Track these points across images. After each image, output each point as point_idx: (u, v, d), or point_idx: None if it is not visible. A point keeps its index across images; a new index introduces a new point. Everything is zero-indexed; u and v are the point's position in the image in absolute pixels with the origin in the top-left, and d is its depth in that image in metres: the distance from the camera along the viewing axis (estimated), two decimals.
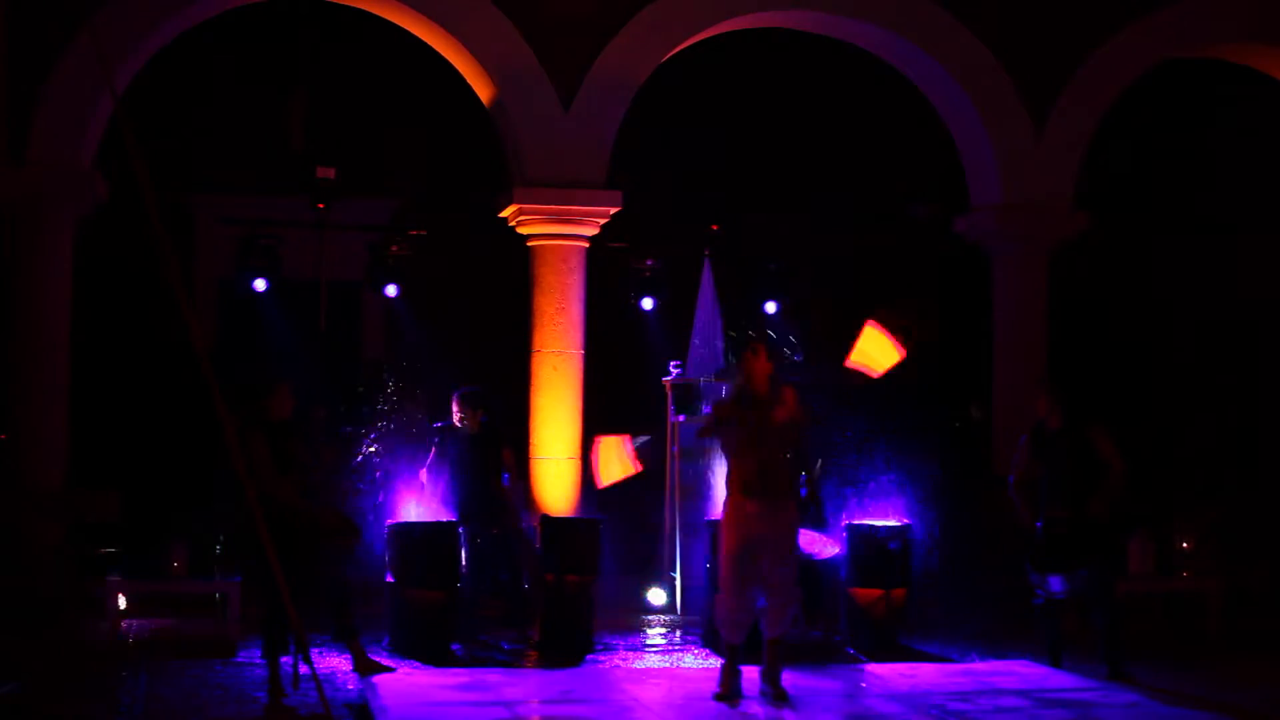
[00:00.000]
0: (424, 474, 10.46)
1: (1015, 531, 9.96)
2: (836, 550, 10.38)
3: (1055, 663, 9.34)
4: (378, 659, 9.19)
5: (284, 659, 8.49)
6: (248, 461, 8.24)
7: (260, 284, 13.61)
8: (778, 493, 8.17)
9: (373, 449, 11.50)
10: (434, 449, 10.52)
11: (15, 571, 10.43)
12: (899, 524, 10.54)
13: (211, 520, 10.35)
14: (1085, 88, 12.35)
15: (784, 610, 8.16)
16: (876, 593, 10.29)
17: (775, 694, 8.18)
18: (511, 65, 11.49)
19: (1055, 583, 9.23)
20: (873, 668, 9.35)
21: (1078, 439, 9.10)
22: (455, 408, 10.53)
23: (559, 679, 8.97)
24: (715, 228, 13.56)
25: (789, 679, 8.69)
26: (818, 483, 10.96)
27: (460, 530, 10.26)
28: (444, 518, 10.16)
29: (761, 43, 13.19)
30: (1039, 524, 9.23)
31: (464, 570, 10.28)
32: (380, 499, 10.76)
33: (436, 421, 10.80)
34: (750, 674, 8.65)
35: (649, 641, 10.45)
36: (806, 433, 10.66)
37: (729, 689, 8.22)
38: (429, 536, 9.87)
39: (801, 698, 8.28)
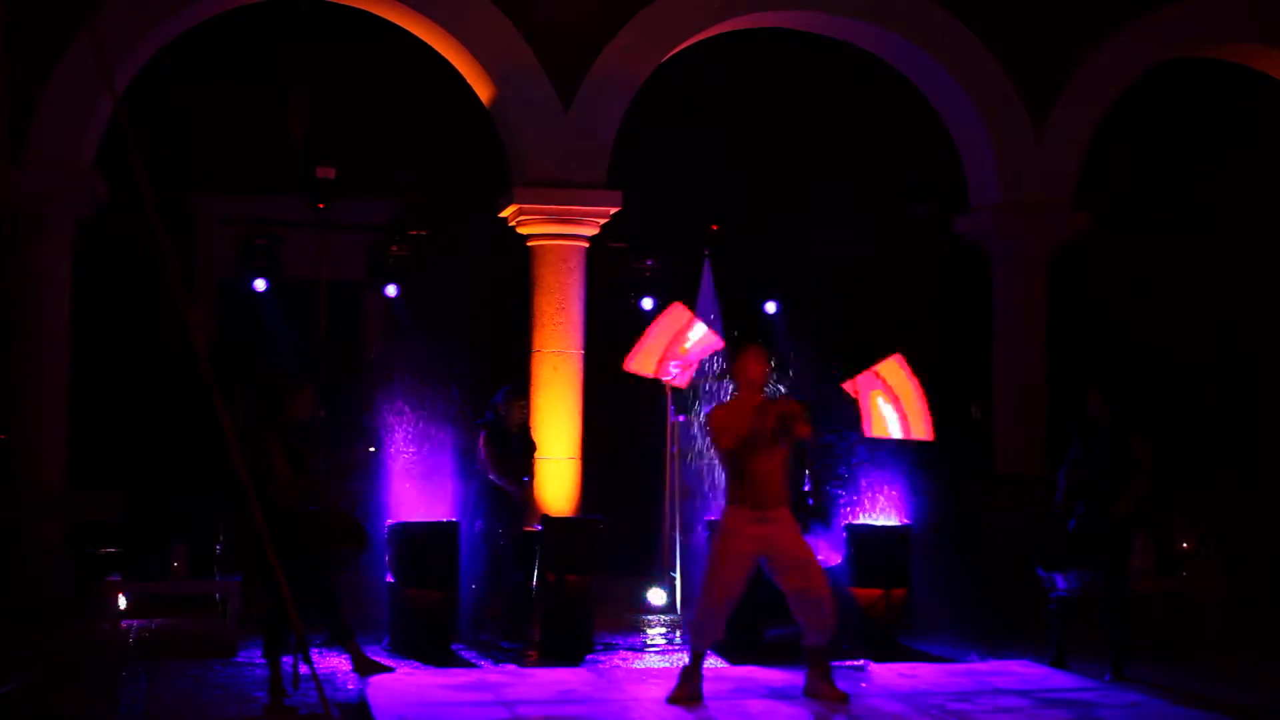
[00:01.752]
0: (488, 466, 10.43)
1: (1019, 530, 9.98)
2: (839, 560, 10.39)
3: (1060, 663, 9.34)
4: (378, 659, 9.19)
5: (284, 659, 8.49)
6: (261, 462, 8.25)
7: (260, 284, 13.62)
8: (776, 502, 8.17)
9: (371, 449, 11.50)
10: (483, 444, 10.48)
11: (15, 571, 10.43)
12: (899, 524, 10.54)
13: (213, 520, 10.35)
14: (1085, 88, 12.35)
15: (821, 617, 8.15)
16: (876, 593, 10.29)
17: (834, 695, 8.19)
18: (511, 65, 11.49)
19: (1061, 580, 9.26)
20: (873, 668, 9.34)
21: (1119, 441, 9.15)
22: (509, 402, 10.51)
23: (559, 679, 8.96)
24: (715, 228, 13.55)
25: (788, 678, 8.69)
26: (821, 485, 10.97)
27: (478, 529, 10.28)
28: (451, 516, 10.16)
29: (761, 43, 13.19)
30: (1071, 522, 9.26)
31: (479, 571, 10.30)
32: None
33: (477, 418, 10.76)
34: (748, 673, 8.66)
35: (649, 641, 10.44)
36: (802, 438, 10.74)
37: (688, 692, 8.19)
38: (429, 536, 9.87)
39: (801, 697, 8.27)
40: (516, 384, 10.82)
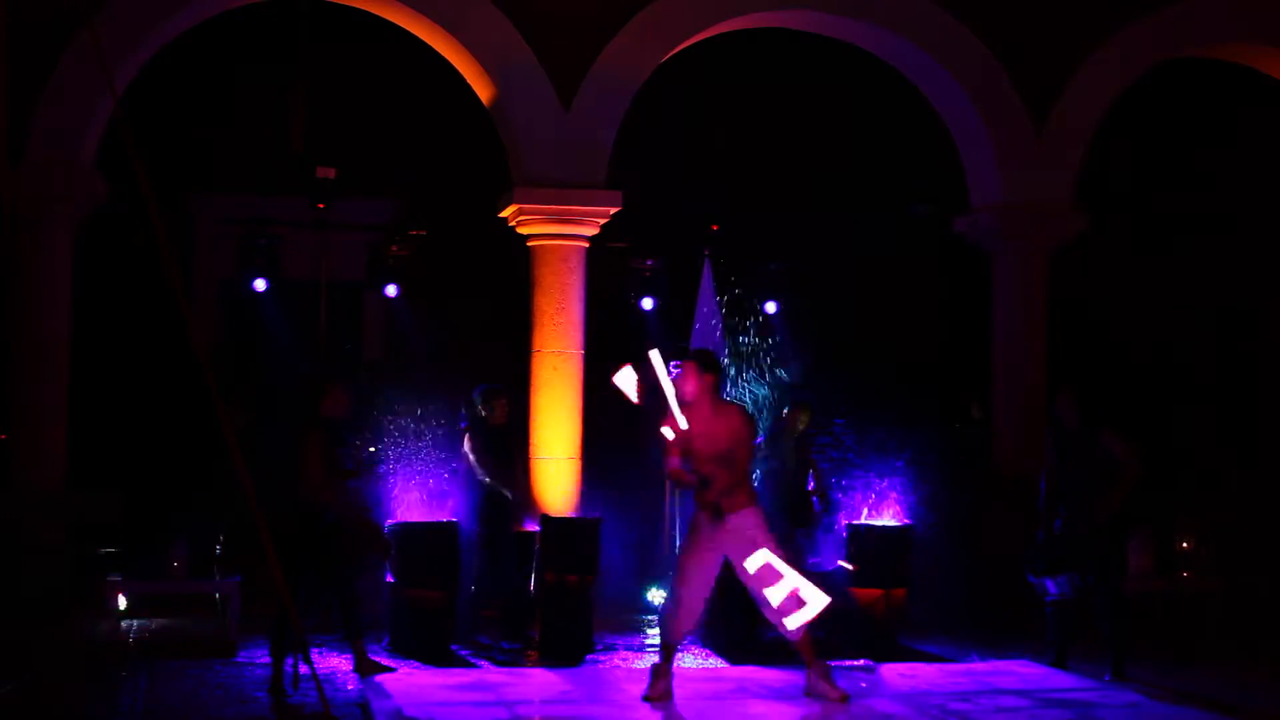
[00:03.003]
0: (476, 467, 10.45)
1: (1019, 530, 9.96)
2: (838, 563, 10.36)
3: (1060, 663, 9.33)
4: (378, 659, 9.20)
5: (286, 659, 8.51)
6: (297, 458, 8.27)
7: (260, 284, 13.63)
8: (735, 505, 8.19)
9: (373, 449, 11.49)
10: (467, 442, 10.51)
11: (15, 571, 10.43)
12: (899, 524, 10.54)
13: (221, 519, 10.36)
14: (1085, 87, 12.34)
15: (780, 611, 8.14)
16: (876, 593, 10.29)
17: (835, 694, 8.21)
18: (511, 65, 11.48)
19: (1051, 585, 9.25)
20: (872, 667, 9.34)
21: (1091, 440, 9.12)
22: (487, 402, 10.52)
23: (559, 679, 8.97)
24: (715, 228, 13.56)
25: (788, 678, 8.69)
26: (824, 487, 10.97)
27: (476, 531, 10.28)
28: (450, 517, 10.16)
29: (762, 43, 13.18)
30: (1056, 524, 9.25)
31: (476, 572, 10.30)
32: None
33: (460, 419, 10.76)
34: (748, 673, 8.66)
35: (649, 641, 10.44)
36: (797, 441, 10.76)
37: (659, 690, 8.23)
38: (429, 536, 9.87)
39: (800, 697, 8.28)
40: (493, 385, 10.79)
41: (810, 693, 8.27)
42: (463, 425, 10.72)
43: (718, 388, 8.44)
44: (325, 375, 8.95)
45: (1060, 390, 9.42)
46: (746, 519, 8.15)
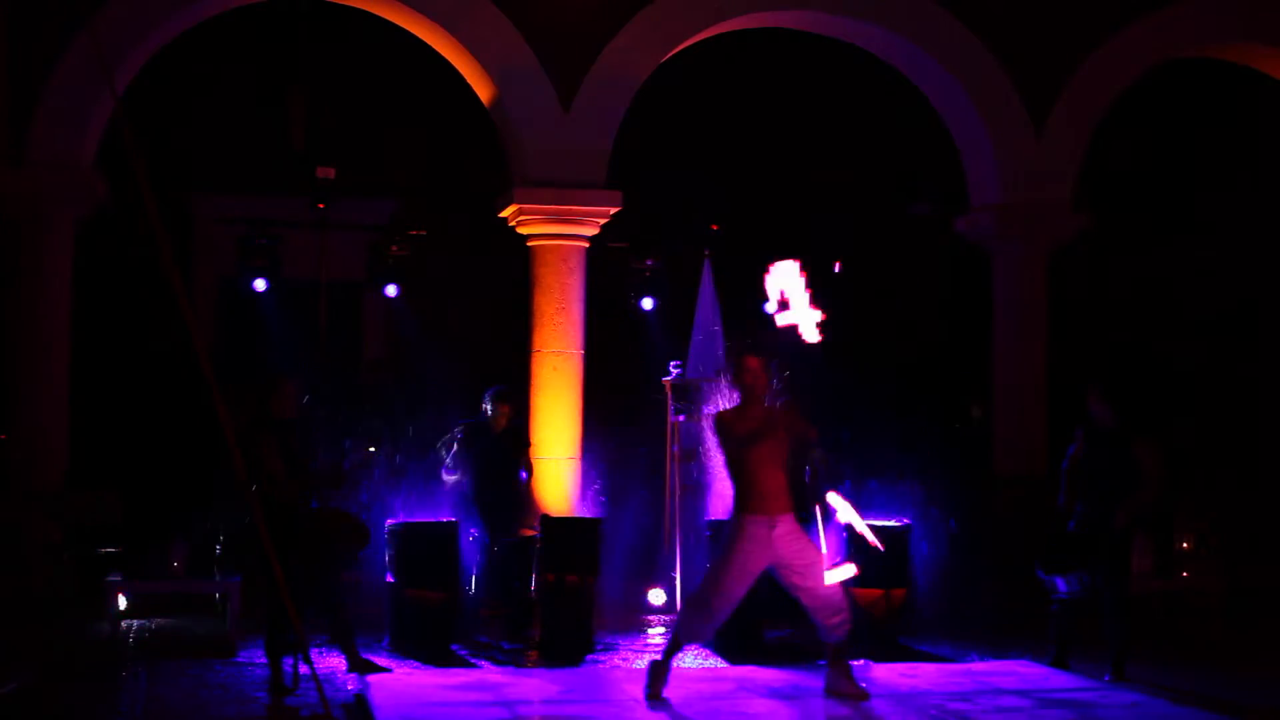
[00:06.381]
0: (444, 473, 10.44)
1: (1019, 530, 9.94)
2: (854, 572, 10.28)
3: (1060, 663, 9.33)
4: (376, 659, 9.19)
5: (285, 659, 8.50)
6: (256, 463, 8.22)
7: (260, 284, 13.63)
8: (784, 508, 8.17)
9: (371, 449, 11.50)
10: (456, 446, 10.50)
11: (15, 571, 10.43)
12: (899, 524, 10.53)
13: (213, 520, 10.35)
14: (1085, 88, 12.35)
15: (835, 613, 8.15)
16: (876, 593, 10.29)
17: (856, 692, 8.21)
18: (511, 65, 11.49)
19: (1061, 583, 9.25)
20: (873, 668, 9.33)
21: (1124, 444, 9.10)
22: (492, 405, 10.52)
23: (559, 679, 8.96)
24: (715, 228, 13.56)
25: (788, 678, 8.69)
26: (818, 486, 10.95)
27: (476, 533, 10.28)
28: (450, 517, 10.15)
29: (761, 43, 13.19)
30: (1069, 522, 9.25)
31: (476, 574, 10.30)
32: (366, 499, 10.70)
33: (461, 419, 10.75)
34: (748, 673, 8.65)
35: (649, 641, 10.44)
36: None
37: (659, 688, 8.22)
38: (429, 536, 9.87)
39: (801, 697, 8.28)
40: (503, 387, 10.75)
41: (831, 690, 8.25)
42: (461, 422, 10.71)
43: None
44: (274, 373, 8.84)
45: (1090, 389, 9.36)
46: (792, 522, 8.14)
